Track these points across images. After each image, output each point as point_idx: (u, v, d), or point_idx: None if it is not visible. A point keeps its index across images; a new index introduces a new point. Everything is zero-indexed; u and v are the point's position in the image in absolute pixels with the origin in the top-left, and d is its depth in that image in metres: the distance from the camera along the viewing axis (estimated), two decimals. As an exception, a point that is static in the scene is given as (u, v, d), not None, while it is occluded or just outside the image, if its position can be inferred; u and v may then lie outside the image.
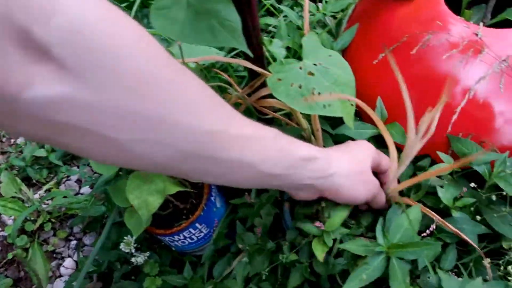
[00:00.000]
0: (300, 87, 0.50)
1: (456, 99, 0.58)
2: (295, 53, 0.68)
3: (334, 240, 0.52)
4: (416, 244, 0.43)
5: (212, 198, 0.68)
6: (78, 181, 1.03)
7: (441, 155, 0.55)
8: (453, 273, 0.51)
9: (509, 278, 0.46)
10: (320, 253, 0.48)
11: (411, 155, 0.51)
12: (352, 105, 0.52)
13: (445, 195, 0.52)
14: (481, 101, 0.57)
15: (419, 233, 0.54)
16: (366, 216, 0.56)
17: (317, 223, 0.50)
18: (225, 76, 0.60)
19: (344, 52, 0.70)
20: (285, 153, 0.40)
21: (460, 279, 0.49)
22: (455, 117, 0.57)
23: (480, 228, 0.50)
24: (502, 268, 0.48)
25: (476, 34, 0.58)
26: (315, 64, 0.52)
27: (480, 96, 0.57)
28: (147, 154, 0.29)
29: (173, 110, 0.29)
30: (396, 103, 0.62)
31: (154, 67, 0.27)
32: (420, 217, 0.47)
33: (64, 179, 1.03)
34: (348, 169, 0.46)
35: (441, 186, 0.53)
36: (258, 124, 0.38)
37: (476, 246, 0.49)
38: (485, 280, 0.51)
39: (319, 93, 0.50)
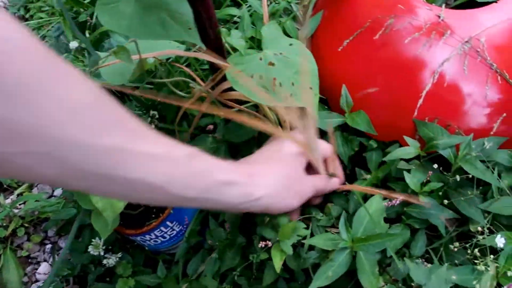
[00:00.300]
0: (260, 78, 0.48)
1: (423, 82, 0.57)
2: (260, 43, 0.67)
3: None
4: (380, 236, 0.43)
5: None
6: (51, 184, 1.01)
7: (407, 139, 0.54)
8: (423, 259, 0.51)
9: (476, 261, 0.46)
10: (278, 261, 0.46)
11: (311, 135, 0.49)
12: (315, 94, 0.51)
13: (412, 180, 0.51)
14: (447, 83, 0.56)
15: (389, 220, 0.54)
16: (336, 206, 0.55)
17: (263, 243, 0.49)
18: (187, 70, 0.58)
19: (309, 40, 0.69)
20: (200, 177, 0.37)
21: (429, 265, 0.49)
22: (421, 101, 0.57)
23: (448, 213, 0.50)
24: (469, 251, 0.48)
25: (439, 17, 0.57)
26: (275, 54, 0.50)
27: (446, 78, 0.56)
28: (35, 168, 0.27)
29: (57, 121, 0.26)
30: (362, 91, 0.61)
31: (33, 73, 0.25)
32: (383, 206, 0.47)
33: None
34: (275, 185, 0.43)
35: (408, 171, 0.53)
36: (171, 143, 0.35)
37: (443, 231, 0.49)
38: (455, 265, 0.51)
39: (280, 84, 0.49)
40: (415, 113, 0.57)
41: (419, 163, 0.54)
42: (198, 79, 0.58)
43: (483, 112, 0.56)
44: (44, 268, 0.88)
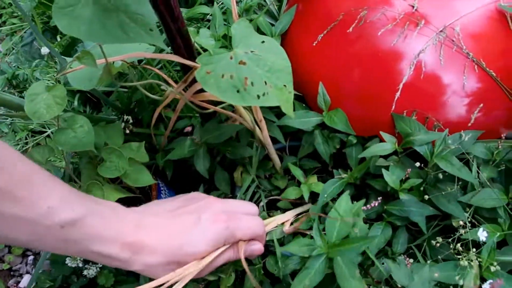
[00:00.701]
0: (231, 77, 0.47)
1: (400, 75, 0.56)
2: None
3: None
4: (355, 240, 0.41)
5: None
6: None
7: (383, 134, 0.53)
8: (406, 256, 0.50)
9: (459, 256, 0.45)
10: None
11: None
12: (290, 92, 0.49)
13: (391, 177, 0.50)
14: (424, 75, 0.55)
15: (369, 220, 0.53)
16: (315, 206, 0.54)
17: None
18: (158, 72, 0.56)
19: (284, 36, 0.67)
20: (72, 243, 0.37)
21: (411, 260, 0.48)
22: (398, 94, 0.55)
23: (427, 209, 0.49)
24: (452, 246, 0.47)
25: (413, 7, 0.56)
26: (246, 52, 0.49)
27: (423, 70, 0.55)
28: None
29: None
30: (338, 87, 0.59)
31: None
32: (360, 205, 0.45)
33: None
34: (159, 266, 0.40)
35: (387, 168, 0.51)
36: (54, 204, 0.35)
37: (424, 228, 0.48)
38: (438, 261, 0.50)
39: (252, 83, 0.47)
40: (393, 107, 0.56)
41: (397, 159, 0.53)
42: (170, 81, 0.56)
43: (462, 103, 0.55)
44: (26, 280, 0.86)
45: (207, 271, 0.43)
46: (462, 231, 0.46)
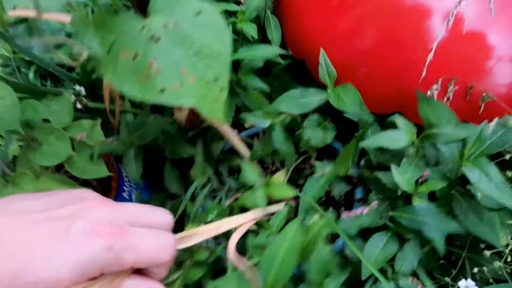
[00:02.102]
0: (134, 57, 0.33)
1: (433, 31, 0.42)
2: None
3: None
4: None
5: (124, 194, 0.52)
6: None
7: (399, 120, 0.38)
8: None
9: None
10: None
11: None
12: (222, 89, 0.33)
13: (404, 177, 0.36)
14: (466, 32, 0.41)
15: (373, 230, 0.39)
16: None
17: None
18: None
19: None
20: None
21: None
22: (431, 56, 0.42)
23: (451, 225, 0.35)
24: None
25: None
26: (166, 25, 0.34)
27: (465, 24, 0.41)
28: None
29: None
30: (346, 52, 0.46)
31: None
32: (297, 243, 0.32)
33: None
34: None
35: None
36: None
37: (442, 250, 0.34)
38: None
39: (159, 69, 0.33)
40: (423, 74, 0.42)
41: (415, 152, 0.38)
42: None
43: (515, 69, 0.41)
44: None
45: None
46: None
